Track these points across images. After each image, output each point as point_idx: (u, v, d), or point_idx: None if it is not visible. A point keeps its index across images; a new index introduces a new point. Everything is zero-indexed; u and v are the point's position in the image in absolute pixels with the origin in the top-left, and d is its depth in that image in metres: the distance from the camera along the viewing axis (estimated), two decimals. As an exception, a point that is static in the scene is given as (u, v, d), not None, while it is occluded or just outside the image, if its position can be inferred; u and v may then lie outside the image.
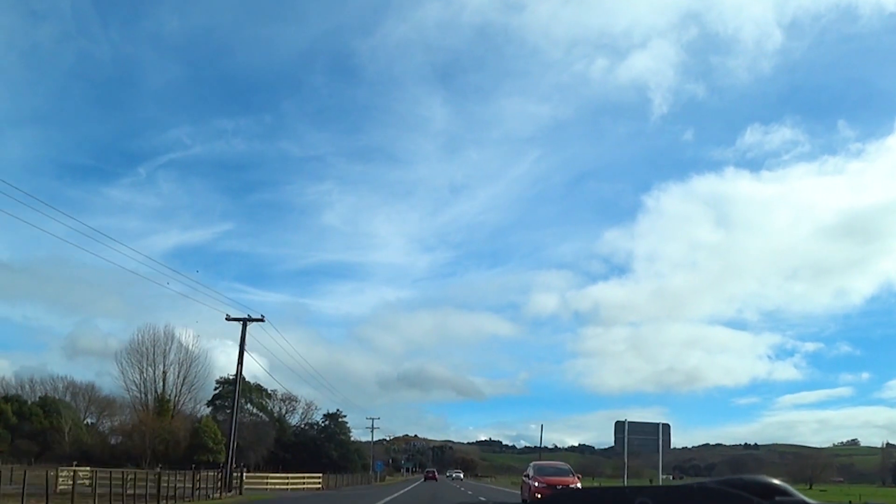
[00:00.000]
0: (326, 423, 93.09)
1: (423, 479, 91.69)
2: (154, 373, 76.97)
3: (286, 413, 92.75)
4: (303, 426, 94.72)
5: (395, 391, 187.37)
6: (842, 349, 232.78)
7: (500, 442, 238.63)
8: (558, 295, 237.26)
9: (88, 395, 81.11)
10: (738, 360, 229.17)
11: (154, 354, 77.01)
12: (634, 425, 28.95)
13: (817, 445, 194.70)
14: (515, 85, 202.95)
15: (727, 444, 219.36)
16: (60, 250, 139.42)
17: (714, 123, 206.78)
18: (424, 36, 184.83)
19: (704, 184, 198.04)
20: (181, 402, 78.43)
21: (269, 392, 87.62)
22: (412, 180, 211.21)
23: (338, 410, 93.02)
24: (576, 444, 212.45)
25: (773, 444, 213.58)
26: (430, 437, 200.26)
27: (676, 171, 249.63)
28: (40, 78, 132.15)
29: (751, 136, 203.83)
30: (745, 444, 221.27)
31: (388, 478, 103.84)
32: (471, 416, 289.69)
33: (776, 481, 1.64)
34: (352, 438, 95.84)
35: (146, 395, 76.78)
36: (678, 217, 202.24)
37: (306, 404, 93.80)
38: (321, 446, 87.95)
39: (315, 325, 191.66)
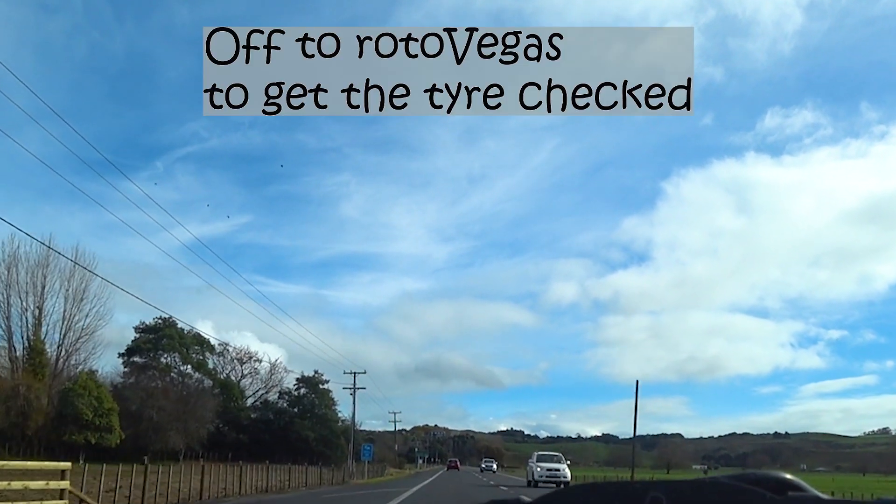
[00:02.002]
0: (301, 390, 64.51)
1: (445, 469, 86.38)
2: (22, 309, 50.08)
3: (243, 378, 64.48)
4: (269, 397, 66.15)
5: (414, 381, 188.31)
6: (866, 337, 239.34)
7: (523, 432, 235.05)
8: (578, 284, 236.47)
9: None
10: (759, 348, 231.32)
11: (25, 283, 50.14)
12: None
13: (845, 434, 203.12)
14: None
15: (754, 433, 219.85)
16: (78, 244, 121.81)
17: (733, 108, 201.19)
18: (438, 23, 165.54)
19: (724, 170, 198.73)
20: (67, 354, 51.10)
21: (215, 346, 59.81)
22: (430, 171, 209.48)
23: (316, 373, 64.34)
24: (599, 434, 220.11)
25: (805, 434, 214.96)
26: (450, 426, 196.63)
27: (696, 157, 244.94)
28: (54, 72, 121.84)
29: (771, 120, 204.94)
30: (775, 432, 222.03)
31: (392, 470, 75.69)
32: (490, 406, 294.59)
33: (789, 476, 1.68)
34: (339, 414, 66.94)
35: (12, 345, 50.05)
36: (698, 204, 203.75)
37: (271, 364, 65.58)
38: (291, 424, 59.71)
39: (334, 316, 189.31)
